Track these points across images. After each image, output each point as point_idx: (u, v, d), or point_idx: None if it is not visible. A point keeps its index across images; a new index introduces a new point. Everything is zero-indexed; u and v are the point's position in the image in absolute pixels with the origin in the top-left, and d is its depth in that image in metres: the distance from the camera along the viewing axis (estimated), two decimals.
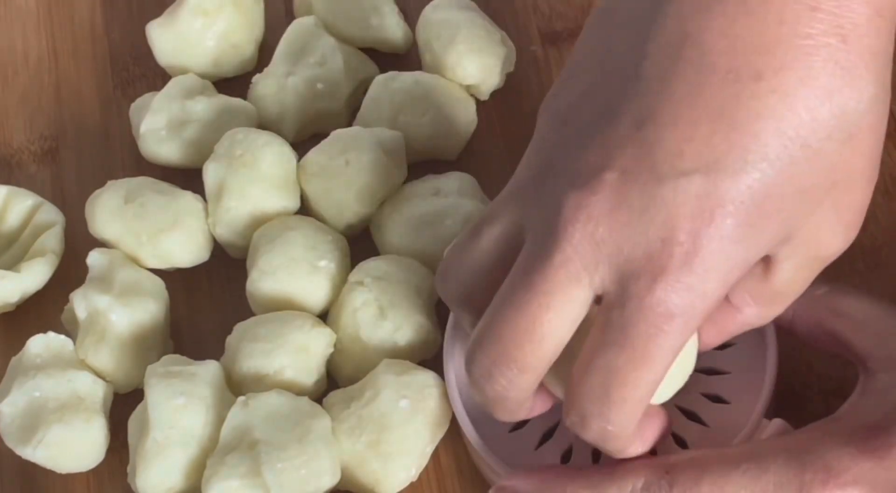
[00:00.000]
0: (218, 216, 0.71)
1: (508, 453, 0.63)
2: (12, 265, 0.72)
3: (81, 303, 0.69)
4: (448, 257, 0.59)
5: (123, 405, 0.68)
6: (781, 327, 0.61)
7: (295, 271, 0.68)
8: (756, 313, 0.56)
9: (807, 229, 0.54)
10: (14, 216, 0.74)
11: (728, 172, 0.50)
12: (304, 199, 0.72)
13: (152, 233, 0.71)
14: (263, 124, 0.75)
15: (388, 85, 0.74)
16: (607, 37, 0.55)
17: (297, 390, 0.66)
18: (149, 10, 0.82)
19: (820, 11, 0.50)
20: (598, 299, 0.53)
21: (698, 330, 0.56)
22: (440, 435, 0.65)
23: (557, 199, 0.52)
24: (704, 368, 0.63)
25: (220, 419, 0.65)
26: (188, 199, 0.72)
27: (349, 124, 0.74)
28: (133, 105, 0.76)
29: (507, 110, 0.75)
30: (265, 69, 0.76)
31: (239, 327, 0.68)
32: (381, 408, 0.64)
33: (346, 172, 0.70)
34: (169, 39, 0.77)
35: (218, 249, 0.73)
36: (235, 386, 0.67)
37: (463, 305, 0.58)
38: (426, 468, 0.66)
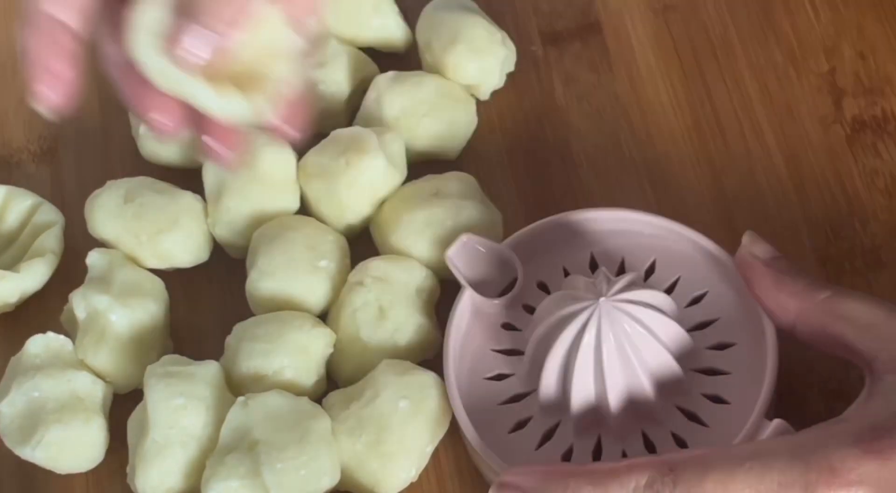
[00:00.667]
0: (218, 216, 0.71)
1: (509, 453, 0.63)
2: (12, 265, 0.72)
3: (81, 303, 0.69)
4: None
5: (123, 405, 0.68)
6: (784, 331, 0.61)
7: (295, 271, 0.69)
8: None
9: None
10: (13, 216, 0.74)
11: None
12: (304, 199, 0.72)
13: (152, 233, 0.71)
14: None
15: (388, 85, 0.74)
16: None
17: (296, 391, 0.66)
18: None
19: None
20: None
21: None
22: (440, 435, 0.65)
23: None
24: (705, 368, 0.63)
25: (219, 420, 0.65)
26: (188, 199, 0.72)
27: (349, 124, 0.74)
28: None
29: (507, 110, 0.75)
30: None
31: (239, 327, 0.68)
32: (381, 408, 0.64)
33: (346, 172, 0.70)
34: None
35: (218, 249, 0.73)
36: (235, 386, 0.67)
37: None
38: (426, 468, 0.66)
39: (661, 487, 0.54)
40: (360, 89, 0.76)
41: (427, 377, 0.65)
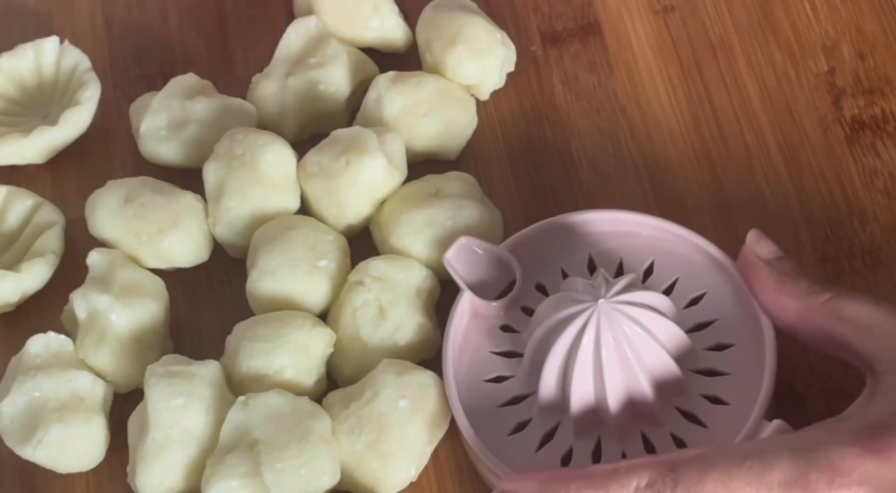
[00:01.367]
0: (218, 216, 0.71)
1: (508, 456, 0.63)
2: (12, 265, 0.72)
3: (81, 303, 0.69)
4: None
5: (123, 405, 0.68)
6: (785, 332, 0.61)
7: (295, 271, 0.69)
8: None
9: None
10: (14, 216, 0.74)
11: None
12: (304, 199, 0.72)
13: (152, 233, 0.71)
14: (263, 124, 0.75)
15: (388, 85, 0.74)
16: None
17: (297, 391, 0.66)
18: (149, 10, 0.82)
19: None
20: None
21: None
22: (440, 435, 0.66)
23: None
24: (704, 369, 0.63)
25: (219, 419, 0.65)
26: (188, 199, 0.72)
27: (349, 124, 0.74)
28: (133, 105, 0.76)
29: (507, 110, 0.75)
30: (265, 69, 0.76)
31: (239, 327, 0.68)
32: (381, 408, 0.64)
33: (346, 172, 0.70)
34: None
35: (218, 249, 0.73)
36: (235, 386, 0.67)
37: None
38: (426, 468, 0.66)
39: (662, 487, 0.54)
40: (360, 89, 0.76)
41: (427, 377, 0.65)
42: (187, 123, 0.74)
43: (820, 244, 0.69)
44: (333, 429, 0.64)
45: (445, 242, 0.68)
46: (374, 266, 0.69)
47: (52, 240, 0.73)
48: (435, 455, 0.66)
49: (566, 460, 0.63)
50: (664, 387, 0.62)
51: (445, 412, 0.65)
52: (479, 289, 0.66)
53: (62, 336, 0.69)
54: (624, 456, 0.62)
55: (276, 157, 0.71)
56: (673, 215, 0.67)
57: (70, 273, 0.72)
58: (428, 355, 0.68)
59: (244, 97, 0.76)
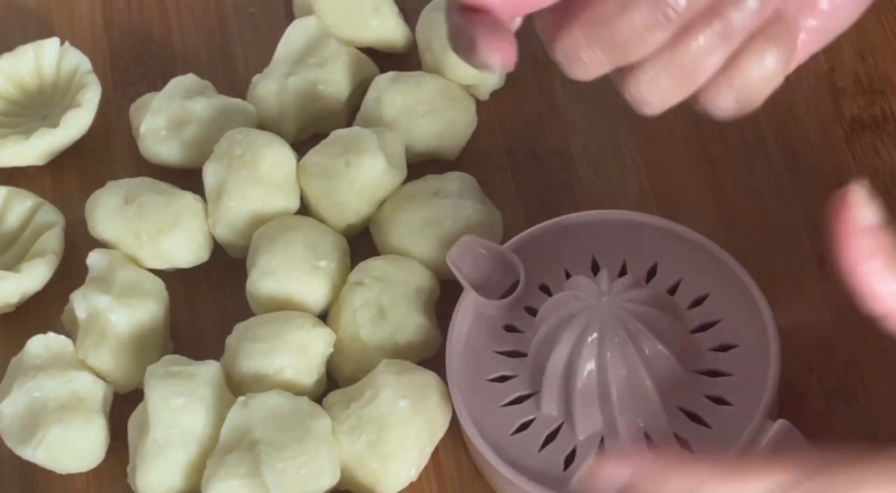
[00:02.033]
0: (218, 216, 0.71)
1: (512, 455, 0.63)
2: (12, 266, 0.72)
3: (81, 303, 0.69)
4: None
5: (123, 405, 0.68)
6: (874, 318, 0.52)
7: (295, 271, 0.69)
8: None
9: None
10: (14, 217, 0.74)
11: None
12: (304, 199, 0.72)
13: (152, 233, 0.71)
14: (263, 124, 0.75)
15: (388, 85, 0.74)
16: None
17: (297, 391, 0.66)
18: (149, 10, 0.82)
19: None
20: None
21: None
22: (440, 435, 0.66)
23: None
24: (707, 370, 0.63)
25: (219, 419, 0.65)
26: (188, 199, 0.72)
27: (349, 124, 0.74)
28: (133, 105, 0.76)
29: (507, 110, 0.75)
30: (265, 69, 0.76)
31: (239, 327, 0.68)
32: (381, 408, 0.64)
33: (346, 172, 0.70)
34: None
35: (218, 249, 0.73)
36: (235, 386, 0.67)
37: None
38: (426, 468, 0.66)
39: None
40: (360, 89, 0.76)
41: (427, 377, 0.65)
42: (187, 124, 0.74)
43: (820, 244, 0.69)
44: (333, 429, 0.64)
45: (445, 242, 0.68)
46: (374, 266, 0.69)
47: (52, 240, 0.73)
48: (435, 455, 0.66)
49: (569, 460, 0.63)
50: (668, 387, 0.62)
51: (445, 411, 0.65)
52: (482, 288, 0.66)
53: (62, 337, 0.69)
54: None
55: (276, 157, 0.71)
56: (673, 215, 0.67)
57: (70, 274, 0.72)
58: (428, 355, 0.68)
59: (244, 97, 0.76)
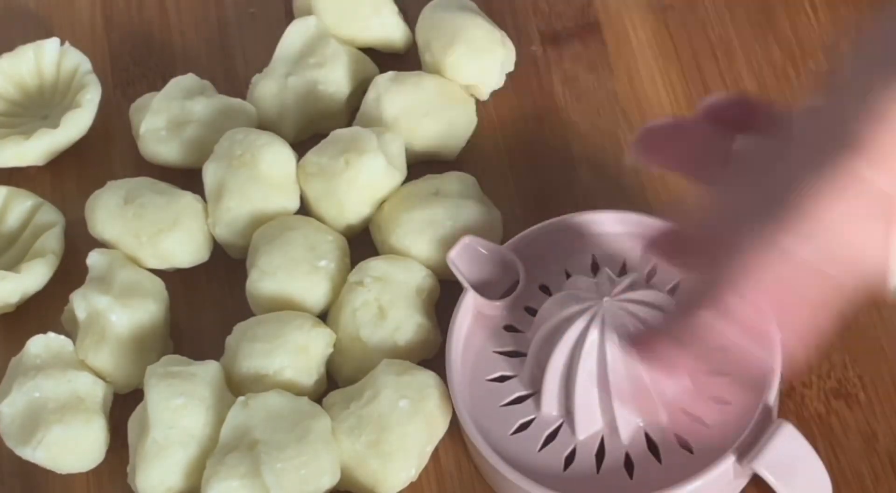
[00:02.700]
0: (218, 216, 0.71)
1: (511, 455, 0.63)
2: (12, 266, 0.72)
3: (81, 303, 0.69)
4: None
5: (123, 405, 0.68)
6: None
7: (295, 271, 0.69)
8: None
9: None
10: (14, 217, 0.74)
11: None
12: (303, 199, 0.72)
13: (152, 233, 0.71)
14: (263, 124, 0.75)
15: (388, 85, 0.74)
16: None
17: (296, 391, 0.66)
18: (149, 10, 0.82)
19: None
20: None
21: None
22: (440, 435, 0.66)
23: None
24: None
25: (219, 419, 0.65)
26: (188, 199, 0.72)
27: (349, 124, 0.74)
28: (133, 105, 0.76)
29: (507, 110, 0.75)
30: (265, 69, 0.76)
31: (239, 327, 0.68)
32: (381, 408, 0.64)
33: (345, 172, 0.70)
34: None
35: (218, 249, 0.73)
36: (235, 386, 0.67)
37: None
38: (426, 468, 0.66)
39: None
40: (360, 89, 0.76)
41: (427, 377, 0.65)
42: (187, 124, 0.74)
43: None
44: (333, 429, 0.64)
45: (445, 242, 0.68)
46: (374, 266, 0.69)
47: (52, 240, 0.73)
48: (435, 455, 0.66)
49: (569, 459, 0.63)
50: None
51: (445, 411, 0.65)
52: (482, 288, 0.66)
53: (62, 337, 0.69)
54: (627, 457, 0.62)
55: (276, 157, 0.71)
56: (673, 216, 0.67)
57: (70, 274, 0.72)
58: (428, 355, 0.68)
59: (244, 97, 0.76)
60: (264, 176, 0.71)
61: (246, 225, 0.71)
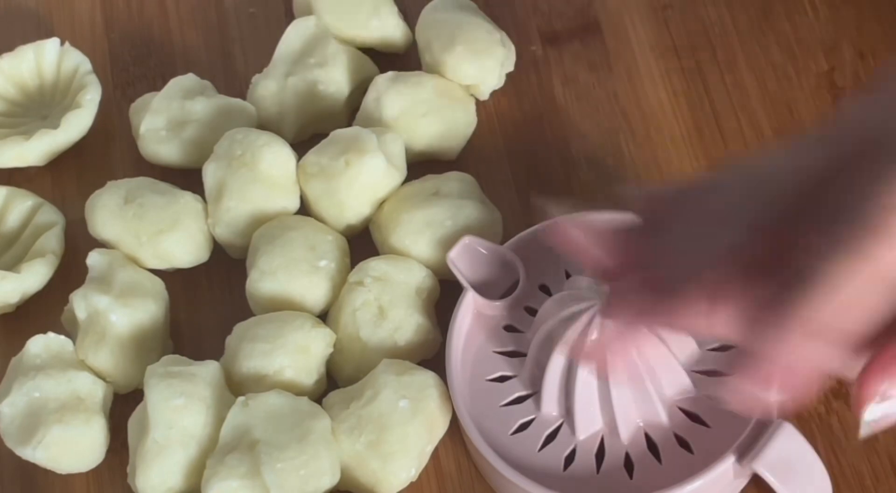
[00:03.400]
0: (218, 216, 0.71)
1: (511, 455, 0.63)
2: (12, 266, 0.72)
3: (81, 303, 0.69)
4: None
5: (123, 406, 0.68)
6: None
7: (295, 272, 0.69)
8: None
9: None
10: (14, 217, 0.74)
11: None
12: (303, 199, 0.72)
13: (152, 233, 0.71)
14: (263, 124, 0.75)
15: (388, 85, 0.74)
16: None
17: (296, 391, 0.66)
18: (149, 10, 0.82)
19: None
20: None
21: None
22: (440, 435, 0.66)
23: None
24: (707, 369, 0.63)
25: (219, 420, 0.65)
26: (188, 199, 0.72)
27: (349, 124, 0.74)
28: (133, 105, 0.76)
29: (507, 110, 0.75)
30: (265, 69, 0.76)
31: (239, 328, 0.68)
32: (381, 408, 0.64)
33: (346, 172, 0.70)
34: None
35: (218, 249, 0.73)
36: (235, 386, 0.67)
37: None
38: (426, 468, 0.66)
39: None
40: (360, 89, 0.76)
41: (427, 377, 0.65)
42: (187, 124, 0.74)
43: None
44: (333, 429, 0.64)
45: (445, 242, 0.68)
46: (374, 266, 0.69)
47: (52, 240, 0.73)
48: (435, 455, 0.66)
49: (569, 459, 0.63)
50: (668, 386, 0.62)
51: (445, 411, 0.65)
52: (482, 288, 0.66)
53: (62, 337, 0.69)
54: (627, 456, 0.62)
55: (276, 157, 0.71)
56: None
57: (70, 274, 0.72)
58: (428, 355, 0.68)
59: (244, 97, 0.76)
60: (264, 176, 0.71)
61: (246, 225, 0.71)
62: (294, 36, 0.76)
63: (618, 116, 0.74)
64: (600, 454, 0.63)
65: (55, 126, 0.75)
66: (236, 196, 0.71)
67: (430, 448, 0.65)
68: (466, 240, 0.67)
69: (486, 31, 0.75)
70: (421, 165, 0.73)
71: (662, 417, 0.62)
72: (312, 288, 0.69)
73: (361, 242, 0.72)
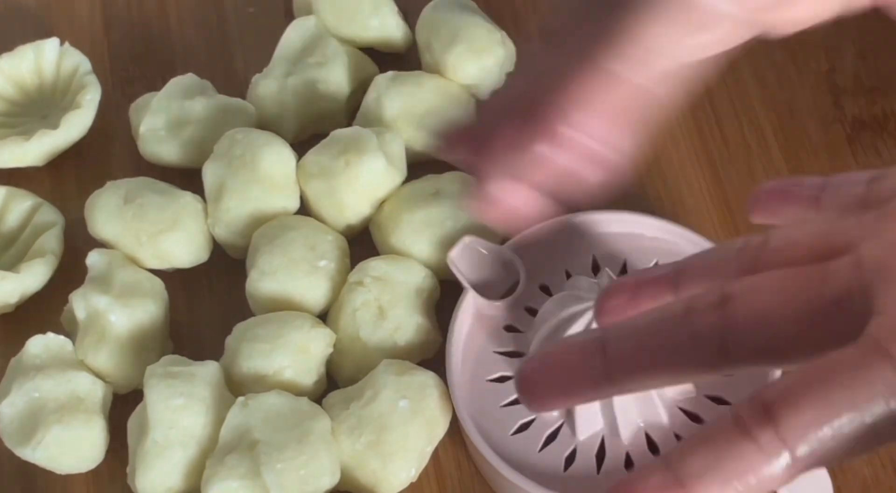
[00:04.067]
0: (218, 216, 0.71)
1: (512, 455, 0.63)
2: (12, 266, 0.72)
3: (81, 303, 0.69)
4: None
5: (123, 406, 0.68)
6: None
7: (295, 272, 0.68)
8: None
9: None
10: (14, 217, 0.74)
11: None
12: (303, 199, 0.72)
13: (152, 233, 0.71)
14: (263, 124, 0.75)
15: (388, 85, 0.74)
16: None
17: (296, 391, 0.66)
18: (149, 10, 0.82)
19: None
20: None
21: None
22: (440, 435, 0.65)
23: None
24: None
25: (219, 420, 0.65)
26: (188, 199, 0.72)
27: (349, 124, 0.74)
28: (133, 105, 0.76)
29: None
30: (265, 69, 0.76)
31: (239, 328, 0.68)
32: (381, 408, 0.64)
33: (345, 172, 0.70)
34: None
35: (218, 249, 0.73)
36: (235, 387, 0.67)
37: None
38: (426, 468, 0.66)
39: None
40: (360, 89, 0.76)
41: (427, 377, 0.65)
42: (187, 123, 0.74)
43: None
44: (333, 429, 0.64)
45: (445, 243, 0.68)
46: (374, 266, 0.69)
47: (52, 240, 0.73)
48: (435, 455, 0.66)
49: (570, 460, 0.63)
50: (668, 387, 0.62)
51: (445, 411, 0.65)
52: (482, 289, 0.66)
53: (62, 337, 0.69)
54: (628, 457, 0.62)
55: (276, 157, 0.71)
56: (673, 216, 0.67)
57: (70, 274, 0.72)
58: (428, 355, 0.68)
59: (244, 97, 0.76)
60: (264, 176, 0.71)
61: (246, 225, 0.71)
62: (294, 36, 0.76)
63: None
64: (601, 454, 0.63)
65: (55, 126, 0.75)
66: (236, 196, 0.71)
67: (430, 448, 0.65)
68: (467, 240, 0.67)
69: (486, 30, 0.75)
70: (421, 165, 0.73)
71: (663, 417, 0.62)
72: (312, 288, 0.69)
73: (361, 243, 0.72)
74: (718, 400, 0.62)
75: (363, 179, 0.70)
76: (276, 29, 0.77)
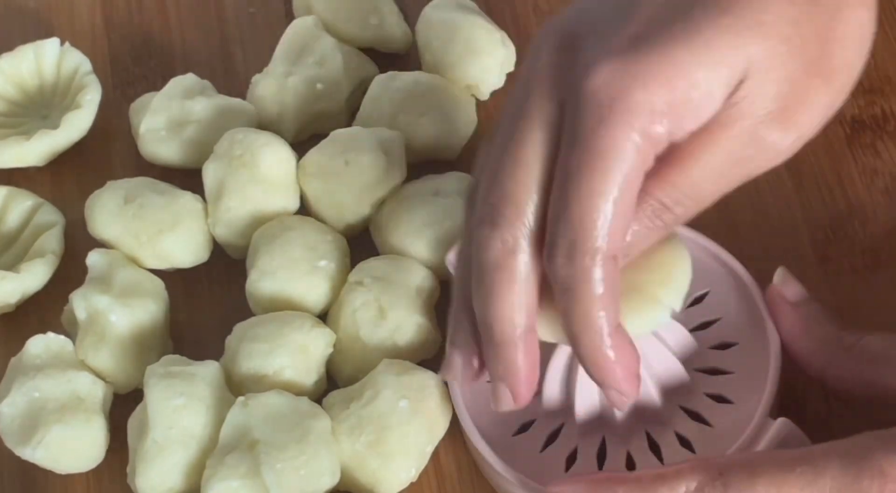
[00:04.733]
0: (218, 216, 0.71)
1: (513, 456, 0.62)
2: (12, 266, 0.72)
3: (81, 303, 0.69)
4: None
5: (123, 406, 0.68)
6: (815, 378, 0.61)
7: (294, 272, 0.68)
8: None
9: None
10: (14, 217, 0.74)
11: None
12: (303, 199, 0.72)
13: (152, 233, 0.71)
14: (263, 124, 0.75)
15: (388, 85, 0.74)
16: None
17: (296, 391, 0.66)
18: (149, 10, 0.82)
19: None
20: None
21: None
22: (440, 435, 0.65)
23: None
24: (707, 368, 0.63)
25: (219, 420, 0.65)
26: (188, 199, 0.72)
27: (349, 124, 0.74)
28: (133, 105, 0.76)
29: None
30: (265, 69, 0.76)
31: (239, 328, 0.68)
32: (381, 408, 0.64)
33: (346, 172, 0.70)
34: None
35: (218, 249, 0.73)
36: (235, 386, 0.67)
37: None
38: (426, 468, 0.66)
39: (712, 490, 0.53)
40: (359, 89, 0.76)
41: (427, 377, 0.65)
42: (187, 124, 0.74)
43: (820, 244, 0.69)
44: (333, 429, 0.64)
45: (445, 243, 0.68)
46: (374, 266, 0.69)
47: (52, 240, 0.73)
48: (435, 455, 0.66)
49: (571, 460, 0.63)
50: (668, 386, 0.62)
51: (445, 411, 0.65)
52: None
53: (62, 337, 0.69)
54: (629, 456, 0.62)
55: (276, 157, 0.71)
56: None
57: (70, 274, 0.72)
58: (428, 355, 0.68)
59: (244, 97, 0.76)
60: (264, 176, 0.71)
61: (246, 225, 0.71)
62: (294, 36, 0.76)
63: None
64: (602, 454, 0.63)
65: (55, 126, 0.75)
66: (236, 196, 0.71)
67: (430, 448, 0.65)
68: None
69: (486, 30, 0.75)
70: (421, 165, 0.73)
71: (663, 416, 0.62)
72: (312, 288, 0.69)
73: (361, 242, 0.72)
74: (720, 399, 0.62)
75: (363, 179, 0.70)
76: (276, 29, 0.77)
